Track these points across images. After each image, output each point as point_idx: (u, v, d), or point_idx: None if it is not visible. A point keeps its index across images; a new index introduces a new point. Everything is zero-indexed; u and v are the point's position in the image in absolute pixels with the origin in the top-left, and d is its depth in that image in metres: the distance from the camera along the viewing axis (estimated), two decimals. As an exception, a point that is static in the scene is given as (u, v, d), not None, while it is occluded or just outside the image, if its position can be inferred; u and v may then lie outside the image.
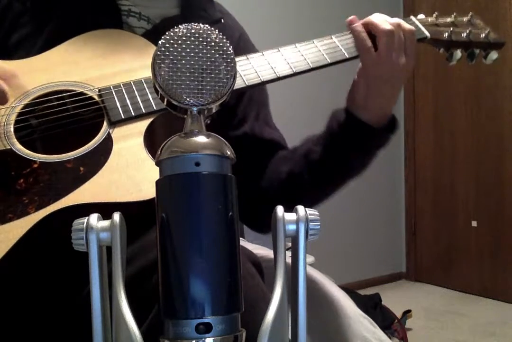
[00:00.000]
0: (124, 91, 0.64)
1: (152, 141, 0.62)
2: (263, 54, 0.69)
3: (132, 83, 0.65)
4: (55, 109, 0.63)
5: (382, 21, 0.70)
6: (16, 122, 0.62)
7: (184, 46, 0.31)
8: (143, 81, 0.65)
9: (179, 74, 0.31)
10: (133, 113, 0.63)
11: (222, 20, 0.80)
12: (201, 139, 0.30)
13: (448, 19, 0.80)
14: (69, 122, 0.64)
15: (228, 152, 0.31)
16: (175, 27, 0.31)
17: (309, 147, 0.75)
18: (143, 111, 0.63)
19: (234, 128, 0.78)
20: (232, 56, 0.32)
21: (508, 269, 2.48)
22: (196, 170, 0.29)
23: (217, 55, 0.31)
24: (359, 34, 0.70)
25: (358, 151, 0.72)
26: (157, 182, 0.30)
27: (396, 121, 0.73)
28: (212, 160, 0.30)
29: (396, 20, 0.70)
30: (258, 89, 0.82)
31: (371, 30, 0.70)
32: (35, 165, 0.59)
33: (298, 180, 0.74)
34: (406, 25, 0.70)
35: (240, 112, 0.80)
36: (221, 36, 0.32)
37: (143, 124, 0.63)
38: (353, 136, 0.71)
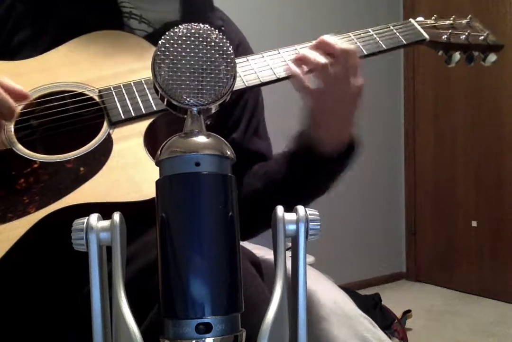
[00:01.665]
0: (124, 92, 0.64)
1: (152, 142, 0.62)
2: (263, 56, 0.69)
3: (132, 84, 0.65)
4: (55, 110, 0.64)
5: (314, 54, 0.64)
6: (17, 122, 0.63)
7: (184, 46, 0.31)
8: (143, 82, 0.65)
9: (179, 74, 0.31)
10: (133, 114, 0.63)
11: (223, 28, 0.80)
12: (201, 139, 0.30)
13: (447, 22, 0.80)
14: (70, 122, 0.64)
15: (228, 152, 0.31)
16: (175, 27, 0.31)
17: (274, 166, 0.75)
18: (143, 111, 0.63)
19: (223, 136, 0.77)
20: (232, 56, 0.32)
21: (508, 269, 2.47)
22: (196, 170, 0.29)
23: (217, 55, 0.31)
24: (294, 74, 0.65)
25: (316, 175, 0.71)
26: (157, 182, 0.30)
27: (354, 147, 0.70)
28: (212, 160, 0.30)
29: (342, 46, 0.64)
30: (254, 94, 0.81)
31: (306, 65, 0.65)
32: (36, 166, 0.59)
33: (264, 196, 0.74)
34: (351, 49, 0.64)
35: (233, 117, 0.79)
36: (221, 36, 0.32)
37: (143, 124, 0.63)
38: (308, 164, 0.69)
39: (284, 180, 0.72)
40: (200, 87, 0.31)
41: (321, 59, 0.63)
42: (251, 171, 0.78)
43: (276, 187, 0.73)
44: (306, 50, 0.66)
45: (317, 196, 0.74)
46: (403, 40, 0.74)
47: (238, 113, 0.80)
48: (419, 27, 0.76)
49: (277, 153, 0.77)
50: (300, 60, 0.66)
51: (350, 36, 0.72)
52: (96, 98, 0.64)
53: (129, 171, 0.59)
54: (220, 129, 0.76)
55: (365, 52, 0.71)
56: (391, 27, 0.75)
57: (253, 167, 0.79)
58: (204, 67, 0.31)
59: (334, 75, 0.63)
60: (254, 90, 0.81)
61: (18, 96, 0.61)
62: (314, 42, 0.67)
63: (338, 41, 0.65)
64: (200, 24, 0.32)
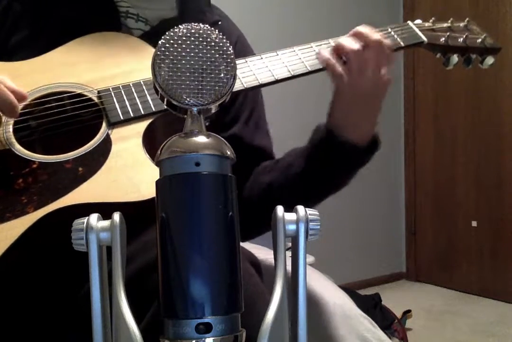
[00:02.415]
0: (123, 92, 0.65)
1: (150, 142, 0.62)
2: (261, 57, 0.69)
3: (131, 85, 0.65)
4: (54, 111, 0.64)
5: (349, 42, 0.68)
6: (16, 123, 0.63)
7: (184, 46, 0.31)
8: (142, 83, 0.65)
9: (179, 74, 0.31)
10: (132, 115, 0.63)
11: (220, 23, 0.80)
12: (201, 139, 0.30)
13: (445, 24, 0.81)
14: (68, 123, 0.64)
15: (228, 152, 0.31)
16: (175, 27, 0.31)
17: (292, 159, 0.74)
18: (142, 112, 0.63)
19: (223, 130, 0.78)
20: (232, 56, 0.32)
21: (508, 269, 2.47)
22: (196, 170, 0.29)
23: (217, 55, 0.31)
24: (328, 62, 0.68)
25: (338, 168, 0.71)
26: (157, 182, 0.30)
27: (378, 141, 0.72)
28: (212, 160, 0.30)
29: (376, 37, 0.67)
30: (252, 92, 0.81)
31: (341, 53, 0.68)
32: (34, 166, 0.59)
33: (277, 192, 0.74)
34: (386, 41, 0.68)
35: (232, 113, 0.79)
36: (221, 36, 0.32)
37: (142, 125, 0.63)
38: (334, 155, 0.69)
39: (303, 173, 0.72)
40: (200, 87, 0.31)
41: (355, 45, 0.67)
42: (260, 167, 0.78)
43: (294, 181, 0.73)
44: (341, 39, 0.69)
45: (334, 191, 0.74)
46: (401, 42, 0.75)
47: (237, 108, 0.80)
48: (417, 30, 0.77)
49: (294, 148, 0.77)
50: (336, 49, 0.69)
51: None
52: (95, 99, 0.64)
53: (128, 171, 0.59)
54: (218, 125, 0.76)
55: None
56: (389, 29, 0.75)
57: (262, 164, 0.79)
58: (204, 67, 0.31)
59: (367, 61, 0.66)
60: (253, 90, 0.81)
61: (17, 96, 0.61)
62: (350, 32, 0.70)
63: (373, 32, 0.68)
64: (200, 24, 0.32)
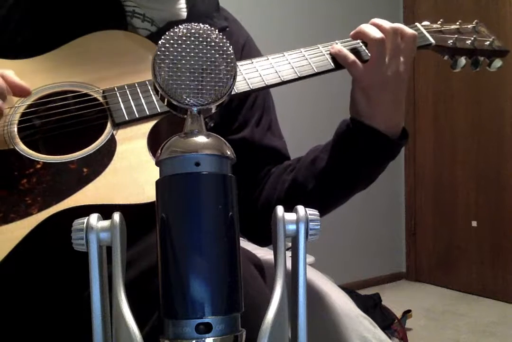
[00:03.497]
0: (128, 93, 0.64)
1: (155, 144, 0.61)
2: (267, 58, 0.69)
3: (136, 85, 0.65)
4: (58, 110, 0.63)
5: (372, 29, 0.68)
6: (20, 122, 0.62)
7: (184, 46, 0.31)
8: (147, 83, 0.65)
9: (179, 74, 0.31)
10: (137, 115, 0.63)
11: (228, 28, 0.79)
12: (201, 139, 0.30)
13: (453, 26, 0.80)
14: (73, 123, 0.64)
15: (228, 152, 0.31)
16: (175, 27, 0.31)
17: (316, 154, 0.73)
18: (147, 113, 0.63)
19: (233, 133, 0.77)
20: (232, 56, 0.32)
21: (508, 269, 2.47)
22: (196, 170, 0.29)
23: (217, 55, 0.31)
24: (338, 53, 0.69)
25: (366, 160, 0.70)
26: (157, 182, 0.30)
27: (406, 134, 0.72)
28: (212, 160, 0.30)
29: (394, 25, 0.69)
30: (262, 94, 0.81)
31: (363, 39, 0.70)
32: (38, 166, 0.59)
33: (301, 189, 0.72)
34: (406, 30, 0.69)
35: (241, 117, 0.79)
36: (221, 36, 0.32)
37: (147, 126, 0.62)
38: (363, 144, 0.69)
39: (327, 167, 0.71)
40: (200, 87, 0.31)
41: (378, 34, 0.68)
42: (280, 167, 0.77)
43: (319, 176, 0.71)
44: (363, 26, 0.70)
45: (359, 187, 0.73)
46: None
47: (246, 113, 0.79)
48: (424, 31, 0.76)
49: (317, 145, 0.76)
50: (356, 35, 0.71)
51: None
52: (100, 98, 0.64)
53: (133, 173, 0.58)
54: (226, 130, 0.76)
55: None
56: None
57: (283, 164, 0.78)
58: (204, 67, 0.31)
59: (386, 50, 0.67)
60: (263, 91, 0.80)
61: (17, 90, 0.60)
62: (370, 22, 0.71)
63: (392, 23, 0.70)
64: (200, 24, 0.32)
